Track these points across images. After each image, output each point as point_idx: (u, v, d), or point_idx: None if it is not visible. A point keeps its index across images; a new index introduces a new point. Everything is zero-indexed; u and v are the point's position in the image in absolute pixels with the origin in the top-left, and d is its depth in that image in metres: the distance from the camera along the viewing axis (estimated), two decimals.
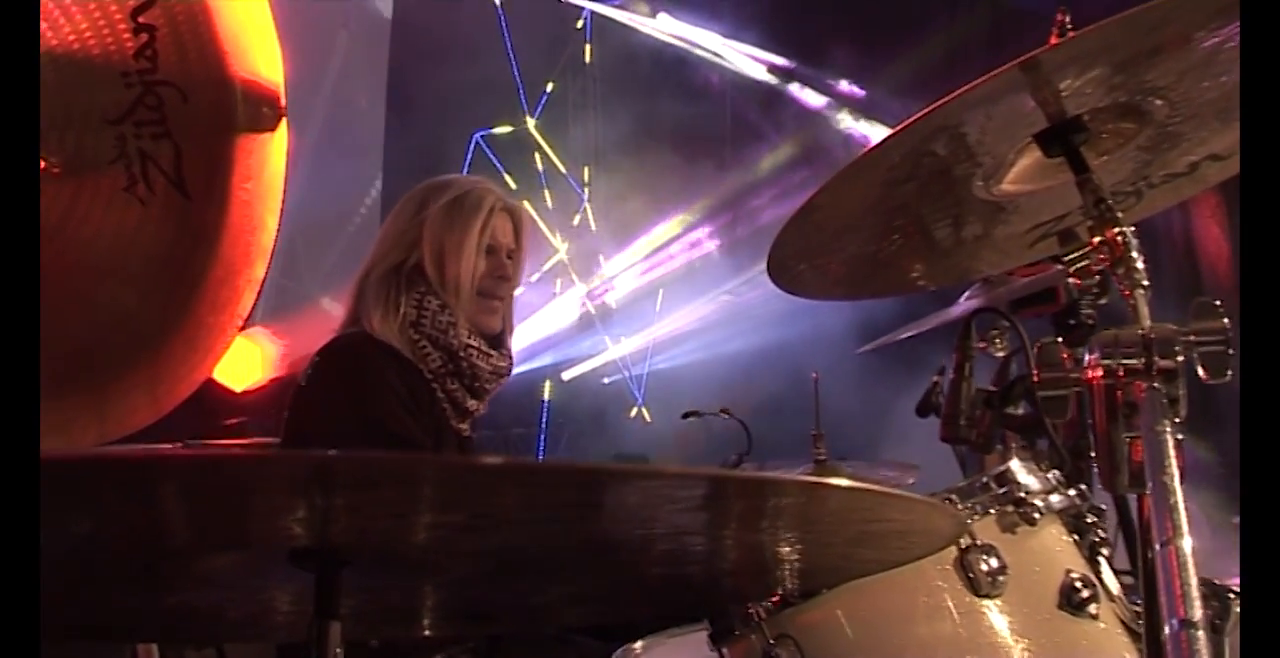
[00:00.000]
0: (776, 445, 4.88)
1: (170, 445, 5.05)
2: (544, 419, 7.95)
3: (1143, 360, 1.19)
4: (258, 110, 1.75)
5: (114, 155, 1.71)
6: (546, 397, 8.00)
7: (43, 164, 1.70)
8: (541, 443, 7.87)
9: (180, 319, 1.80)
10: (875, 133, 7.64)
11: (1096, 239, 1.52)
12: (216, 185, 1.76)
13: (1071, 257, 1.55)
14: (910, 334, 3.28)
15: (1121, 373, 1.20)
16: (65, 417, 1.83)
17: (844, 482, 0.83)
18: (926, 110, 1.46)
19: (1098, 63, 1.47)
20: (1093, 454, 1.24)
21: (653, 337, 8.23)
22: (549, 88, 8.47)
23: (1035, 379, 1.27)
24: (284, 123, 1.76)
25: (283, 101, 1.75)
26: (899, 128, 1.50)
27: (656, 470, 0.84)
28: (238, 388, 5.96)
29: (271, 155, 1.77)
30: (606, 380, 8.40)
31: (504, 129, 8.18)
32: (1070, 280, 1.69)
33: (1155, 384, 1.17)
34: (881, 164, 1.56)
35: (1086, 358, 1.23)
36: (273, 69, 1.75)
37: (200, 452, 0.78)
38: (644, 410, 8.19)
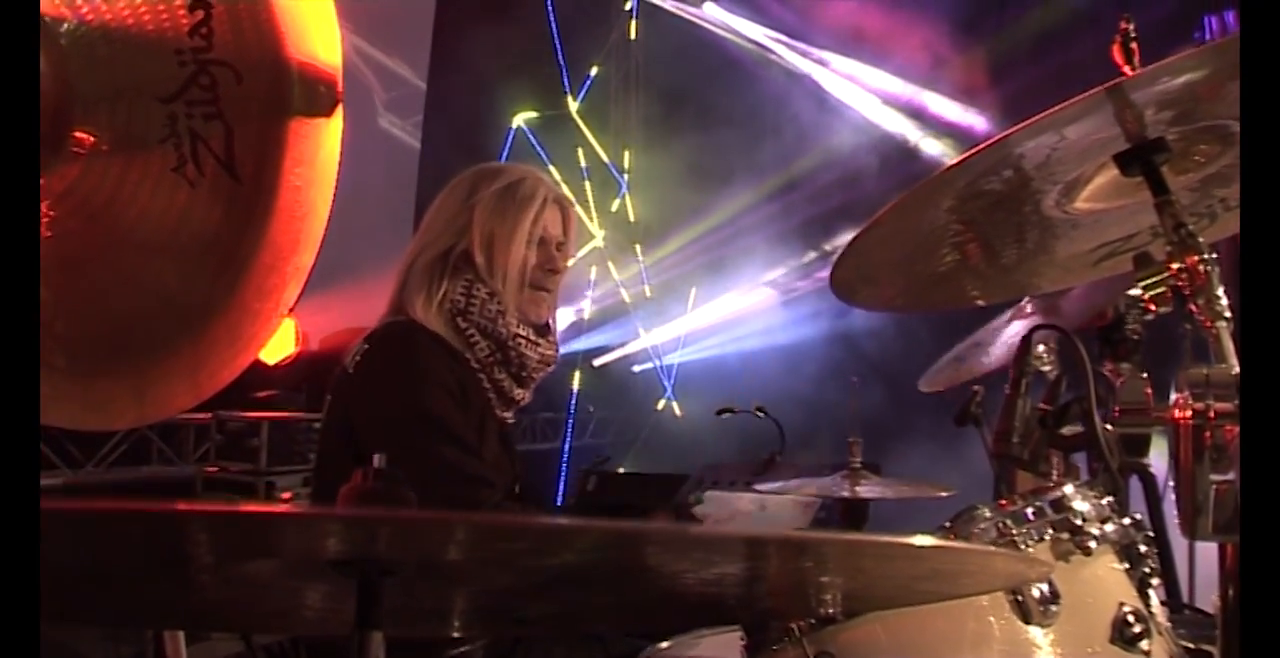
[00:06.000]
0: (809, 443, 4.85)
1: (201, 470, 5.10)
2: (572, 405, 7.93)
3: (1236, 403, 1.14)
4: (314, 94, 1.71)
5: (164, 134, 1.67)
6: (576, 383, 7.97)
7: (91, 140, 1.67)
8: (569, 429, 7.85)
9: (225, 304, 1.76)
10: (920, 128, 7.56)
11: (1175, 266, 1.46)
12: (268, 169, 1.72)
13: (1148, 282, 1.49)
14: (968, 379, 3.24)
15: (1212, 415, 1.15)
16: (103, 396, 1.80)
17: (928, 541, 0.78)
18: (1004, 134, 1.42)
19: (1181, 88, 1.41)
20: (1173, 497, 1.19)
21: (686, 327, 8.19)
22: (593, 72, 8.40)
23: (1115, 416, 1.22)
24: (339, 108, 1.72)
25: (340, 86, 1.71)
26: (974, 150, 1.45)
27: (714, 536, 0.81)
28: (270, 361, 5.97)
29: (326, 141, 1.73)
30: (637, 369, 8.37)
31: (545, 112, 8.13)
32: (1147, 307, 1.62)
33: None
34: (954, 183, 1.51)
35: (1174, 396, 1.17)
36: (331, 52, 1.71)
37: (230, 509, 0.75)
38: (673, 401, 8.15)
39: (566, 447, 7.81)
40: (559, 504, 6.82)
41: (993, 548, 0.89)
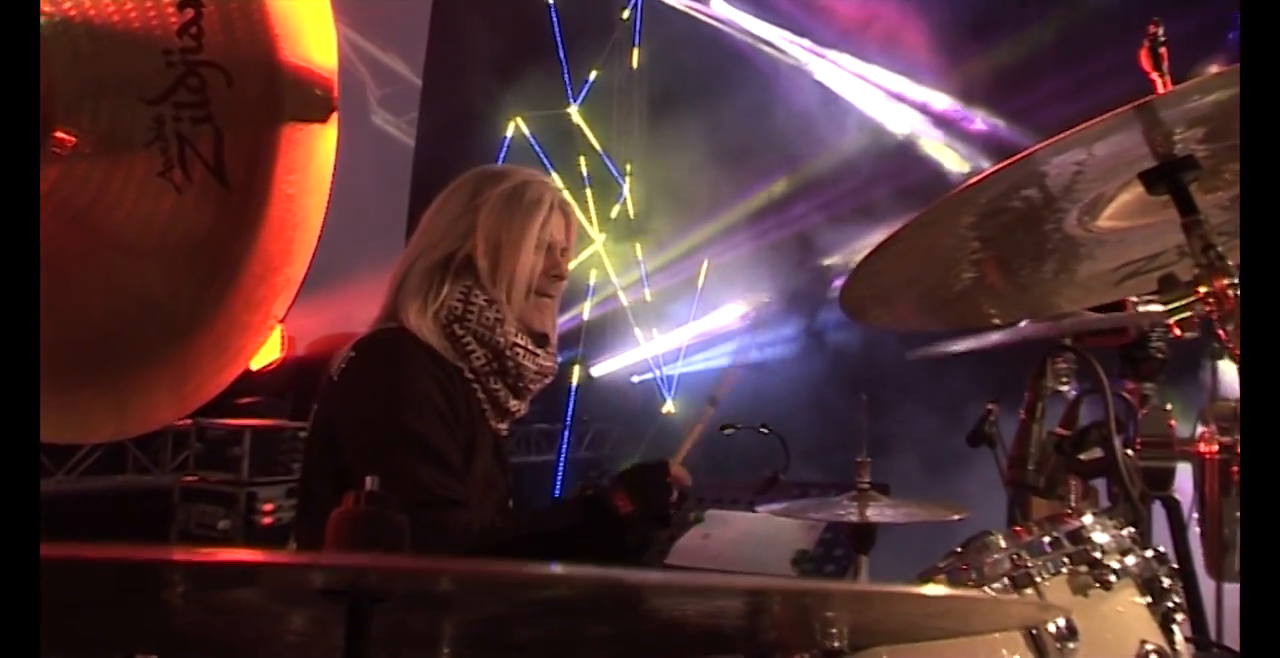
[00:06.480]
0: (814, 459, 4.77)
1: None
2: (569, 416, 7.82)
3: None
4: (308, 98, 1.65)
5: (150, 137, 1.62)
6: (573, 393, 7.86)
7: (73, 141, 1.60)
8: (565, 441, 7.75)
9: (212, 315, 1.70)
10: (930, 132, 7.48)
11: (1203, 289, 1.40)
12: (259, 176, 1.66)
13: (1174, 305, 1.42)
14: (966, 350, 3.13)
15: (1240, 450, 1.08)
16: (83, 408, 1.75)
17: (942, 590, 0.72)
18: (1029, 150, 1.35)
19: (1211, 105, 1.35)
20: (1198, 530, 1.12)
21: (687, 336, 8.09)
22: (593, 75, 8.33)
23: (1138, 448, 1.15)
24: (335, 114, 1.66)
25: (335, 91, 1.65)
26: (998, 167, 1.38)
27: (709, 586, 0.76)
28: (254, 366, 5.87)
29: (320, 147, 1.67)
30: (636, 379, 8.27)
31: (545, 112, 8.04)
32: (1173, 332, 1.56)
33: None
34: (974, 201, 1.45)
35: (1200, 430, 1.11)
36: (327, 55, 1.65)
37: (212, 560, 0.70)
38: (673, 412, 8.05)
39: (562, 459, 7.70)
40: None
41: (1007, 597, 0.83)
